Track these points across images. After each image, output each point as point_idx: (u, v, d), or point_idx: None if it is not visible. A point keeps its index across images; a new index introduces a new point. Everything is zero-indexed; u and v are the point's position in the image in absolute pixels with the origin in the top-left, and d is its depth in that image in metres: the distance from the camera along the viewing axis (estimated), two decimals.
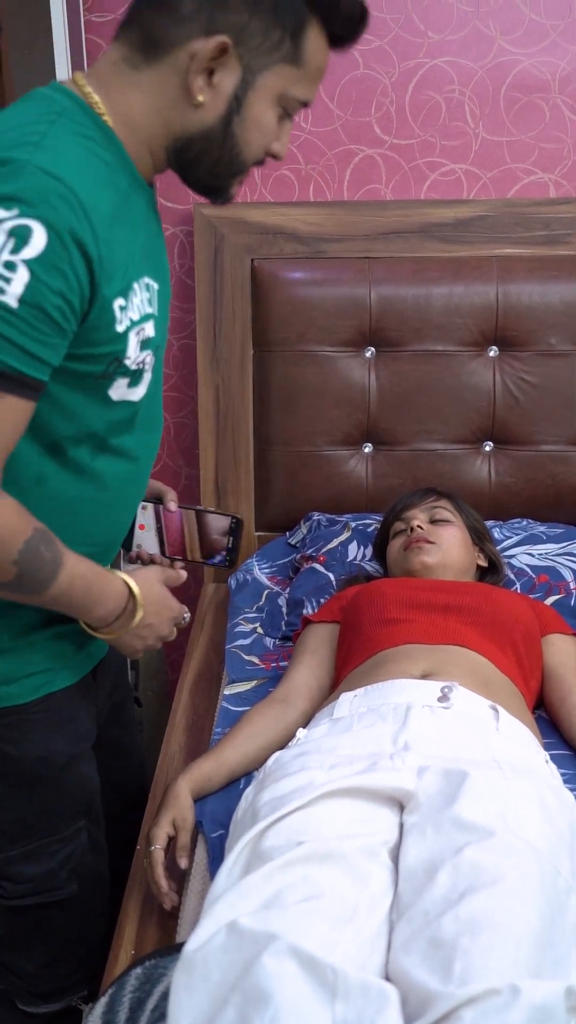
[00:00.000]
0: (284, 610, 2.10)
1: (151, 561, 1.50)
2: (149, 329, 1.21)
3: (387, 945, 1.10)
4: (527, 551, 2.14)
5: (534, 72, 2.22)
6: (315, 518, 2.28)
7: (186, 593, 1.44)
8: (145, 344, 1.21)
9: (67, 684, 1.38)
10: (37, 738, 1.37)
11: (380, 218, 2.24)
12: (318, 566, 2.11)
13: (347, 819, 1.21)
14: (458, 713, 1.42)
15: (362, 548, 2.16)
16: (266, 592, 2.18)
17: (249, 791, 1.38)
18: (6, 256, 1.01)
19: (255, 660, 1.96)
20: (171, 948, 1.18)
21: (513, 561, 2.10)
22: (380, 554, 2.03)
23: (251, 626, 2.07)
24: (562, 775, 1.45)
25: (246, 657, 1.96)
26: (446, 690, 1.46)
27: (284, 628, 2.05)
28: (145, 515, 1.51)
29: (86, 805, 1.48)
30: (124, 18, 1.18)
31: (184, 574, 1.43)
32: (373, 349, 2.27)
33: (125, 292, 1.15)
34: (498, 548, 2.08)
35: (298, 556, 2.23)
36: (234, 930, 1.02)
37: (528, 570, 2.08)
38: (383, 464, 2.31)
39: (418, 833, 1.20)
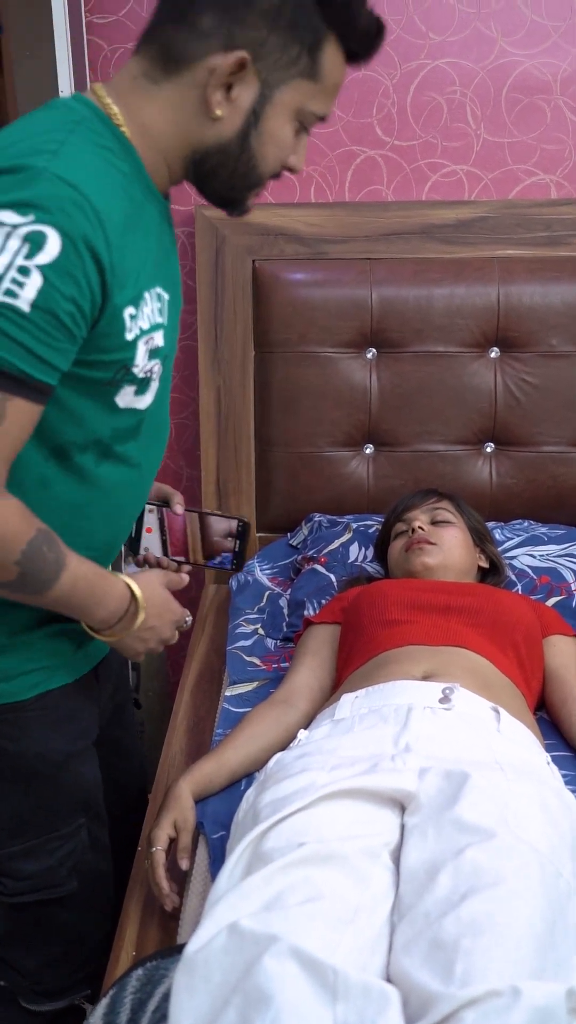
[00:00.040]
0: (285, 611, 2.10)
1: (158, 564, 1.50)
2: (158, 339, 1.22)
3: (388, 946, 1.10)
4: (528, 552, 2.14)
5: (535, 73, 2.23)
6: (316, 519, 2.28)
7: (187, 594, 1.44)
8: (154, 353, 1.22)
9: (65, 682, 1.39)
10: (35, 735, 1.38)
11: (381, 219, 2.24)
12: (319, 567, 2.11)
13: (348, 820, 1.21)
14: (459, 714, 1.42)
15: (363, 549, 2.16)
16: (267, 593, 2.18)
17: (250, 792, 1.38)
18: (20, 261, 1.02)
19: (256, 661, 1.96)
20: (172, 949, 1.18)
21: (514, 562, 2.10)
22: (381, 555, 2.03)
23: (252, 627, 2.07)
24: (563, 776, 1.45)
25: (247, 658, 1.96)
26: (447, 691, 1.46)
27: (285, 629, 2.05)
28: (151, 518, 1.51)
29: (85, 803, 1.49)
30: (144, 33, 1.19)
31: (186, 578, 1.43)
32: (374, 350, 2.27)
33: (136, 301, 1.16)
34: (499, 549, 2.08)
35: (299, 557, 2.23)
36: (235, 931, 1.02)
37: (529, 571, 2.08)
38: (384, 465, 2.31)
39: (419, 834, 1.20)
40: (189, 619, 1.42)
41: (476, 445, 2.31)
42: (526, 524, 2.26)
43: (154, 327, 1.21)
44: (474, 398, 2.26)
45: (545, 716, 1.74)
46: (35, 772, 1.40)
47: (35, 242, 1.03)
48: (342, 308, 2.23)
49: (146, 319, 1.19)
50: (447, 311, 2.23)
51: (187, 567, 1.53)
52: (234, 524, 1.54)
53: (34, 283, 1.03)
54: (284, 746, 1.54)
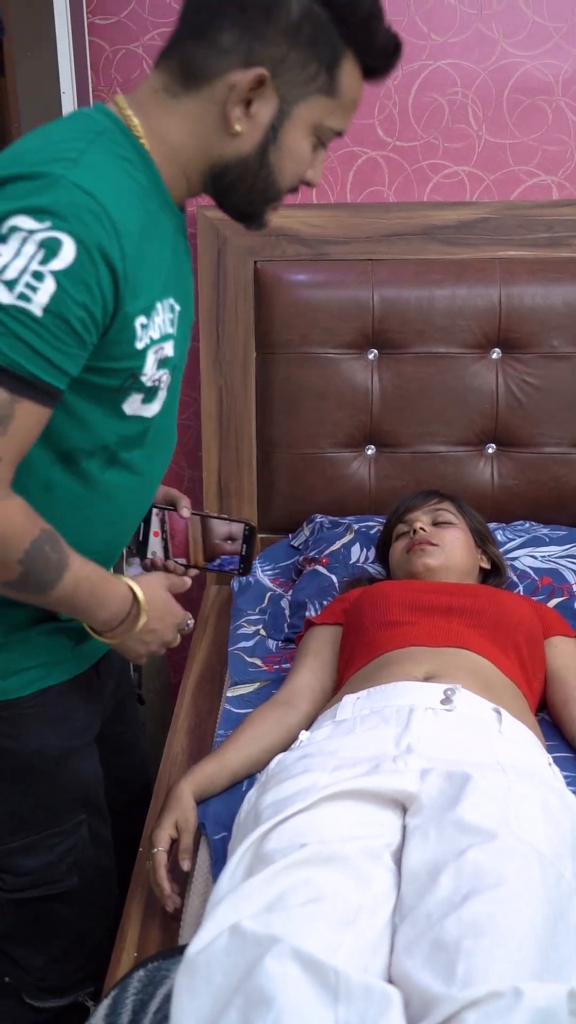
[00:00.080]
0: (287, 612, 2.10)
1: (164, 568, 1.51)
2: (168, 349, 1.23)
3: (390, 947, 1.10)
4: (530, 553, 2.14)
5: (537, 74, 2.23)
6: (318, 520, 2.28)
7: (189, 595, 1.44)
8: (162, 363, 1.23)
9: (63, 679, 1.40)
10: (33, 732, 1.38)
11: (383, 220, 2.24)
12: (321, 568, 2.11)
13: (350, 821, 1.21)
14: (461, 715, 1.42)
15: (365, 550, 2.16)
16: (269, 594, 2.18)
17: (252, 793, 1.38)
18: (35, 266, 1.03)
19: (258, 662, 1.95)
20: (174, 950, 1.18)
21: (516, 563, 2.10)
22: (383, 556, 2.03)
23: (254, 628, 2.07)
24: (565, 778, 1.45)
25: (249, 659, 1.96)
26: (449, 692, 1.45)
27: (287, 630, 2.05)
28: (157, 521, 1.52)
29: (85, 799, 1.49)
30: (164, 48, 1.21)
31: (189, 581, 1.44)
32: (376, 351, 2.27)
33: (148, 311, 1.17)
34: (501, 550, 2.08)
35: (301, 558, 2.23)
36: (237, 932, 1.02)
37: (531, 572, 2.08)
38: (386, 466, 2.31)
39: (421, 835, 1.20)
40: (191, 622, 1.43)
41: (478, 446, 2.31)
42: (527, 525, 2.26)
43: (164, 337, 1.22)
44: (475, 399, 2.26)
45: (547, 717, 1.74)
46: (34, 768, 1.41)
47: (50, 248, 1.04)
48: (344, 309, 2.23)
49: (157, 329, 1.20)
50: (449, 312, 2.23)
51: (194, 571, 1.54)
52: (235, 527, 1.54)
53: (47, 288, 1.04)
54: (285, 747, 1.54)
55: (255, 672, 1.92)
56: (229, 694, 1.86)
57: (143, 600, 1.30)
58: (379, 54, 1.20)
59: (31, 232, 1.04)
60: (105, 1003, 1.13)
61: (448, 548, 1.87)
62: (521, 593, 2.01)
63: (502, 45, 2.21)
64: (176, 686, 2.23)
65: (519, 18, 2.19)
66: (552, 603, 1.98)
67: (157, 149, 1.19)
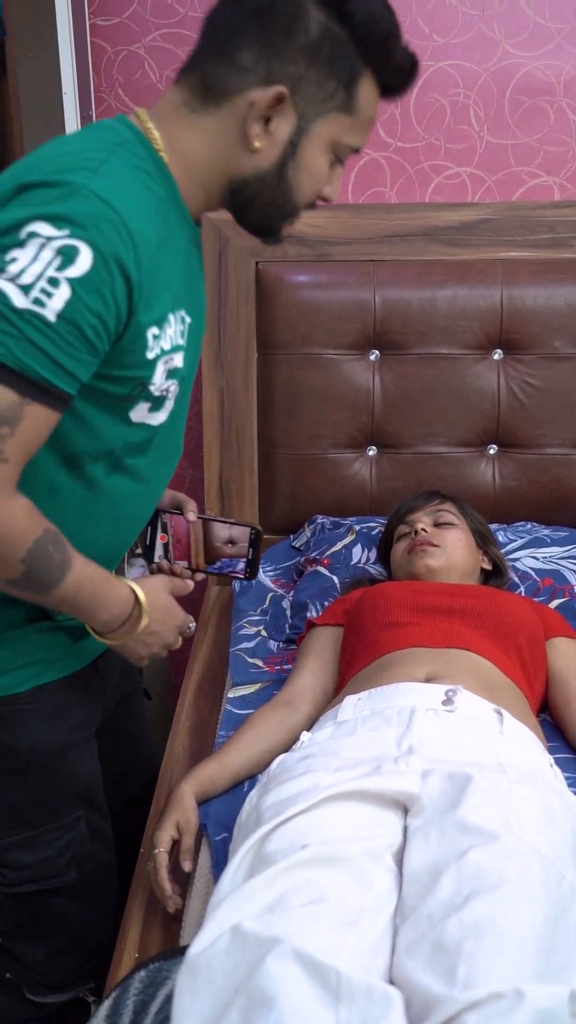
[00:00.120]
0: (288, 613, 2.10)
1: (171, 572, 1.52)
2: (177, 360, 1.24)
3: (391, 949, 1.10)
4: (531, 554, 2.14)
5: (539, 75, 2.23)
6: (319, 521, 2.28)
7: (190, 597, 1.45)
8: (171, 373, 1.24)
9: (60, 676, 1.41)
10: (30, 728, 1.40)
11: (385, 221, 2.24)
12: (322, 569, 2.11)
13: (351, 822, 1.21)
14: (462, 717, 1.42)
15: (366, 551, 2.16)
16: (270, 595, 2.18)
17: (253, 794, 1.38)
18: (51, 272, 1.05)
19: (259, 663, 1.96)
20: (175, 951, 1.18)
21: (517, 564, 2.10)
22: (384, 557, 2.03)
23: (255, 629, 2.07)
24: (566, 779, 1.45)
25: (250, 660, 1.96)
26: (450, 693, 1.45)
27: (288, 631, 2.05)
28: (163, 525, 1.53)
29: (83, 795, 1.50)
30: (185, 64, 1.23)
31: (191, 584, 1.45)
32: (377, 352, 2.27)
33: (160, 322, 1.19)
34: (502, 551, 2.08)
35: (302, 559, 2.23)
36: (238, 933, 1.02)
37: (532, 573, 2.08)
38: (387, 467, 2.31)
39: (422, 836, 1.19)
40: (192, 625, 1.43)
41: (479, 447, 2.31)
42: (529, 526, 2.26)
43: (175, 348, 1.23)
44: (477, 400, 2.26)
45: (548, 718, 1.74)
46: (31, 764, 1.42)
47: (67, 256, 1.05)
48: (345, 310, 2.23)
49: (168, 340, 1.21)
50: (450, 313, 2.23)
51: (200, 576, 1.55)
52: (236, 530, 1.55)
53: (62, 295, 1.05)
54: (287, 748, 1.54)
55: (256, 673, 1.92)
56: (230, 695, 1.86)
57: (145, 602, 1.30)
58: (396, 73, 1.22)
59: (49, 239, 1.05)
60: (106, 1004, 1.13)
61: (449, 549, 1.87)
62: (522, 594, 2.01)
63: (504, 46, 2.21)
64: (177, 687, 2.23)
65: (521, 19, 2.19)
66: (553, 604, 1.98)
67: (176, 162, 1.21)
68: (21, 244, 1.05)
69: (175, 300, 1.22)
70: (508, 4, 2.18)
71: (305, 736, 1.50)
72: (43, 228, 1.05)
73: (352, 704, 1.51)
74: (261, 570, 2.25)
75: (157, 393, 1.24)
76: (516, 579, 2.05)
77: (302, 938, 1.00)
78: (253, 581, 2.21)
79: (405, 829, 1.24)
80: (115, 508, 1.32)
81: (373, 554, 2.14)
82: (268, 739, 1.59)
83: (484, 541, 1.98)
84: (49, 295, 1.05)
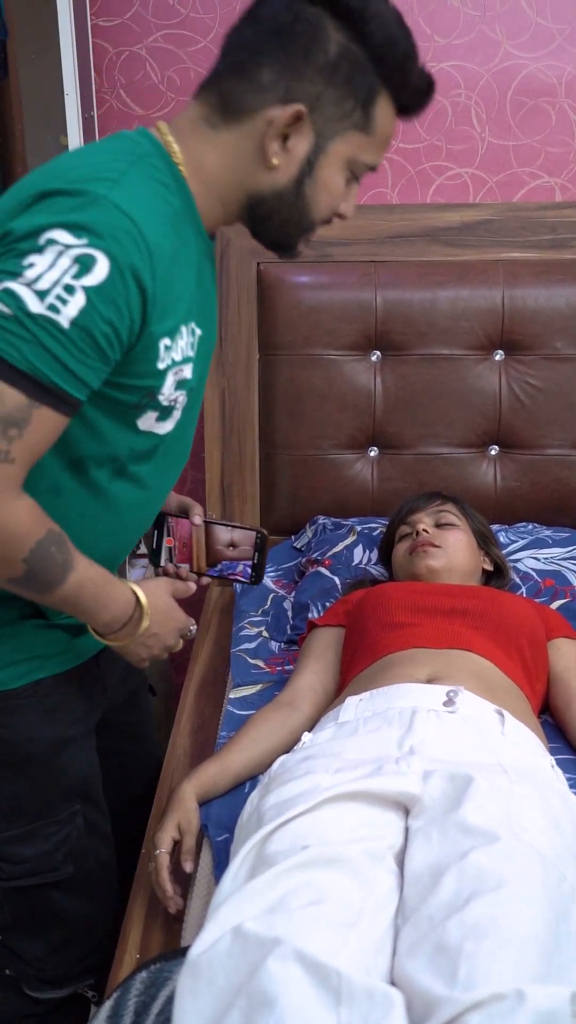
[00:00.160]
0: (289, 614, 2.10)
1: (176, 575, 1.52)
2: (187, 371, 1.26)
3: (392, 950, 1.10)
4: (533, 555, 2.14)
5: (540, 76, 2.23)
6: (320, 522, 2.28)
7: (191, 597, 1.45)
8: (180, 384, 1.26)
9: (57, 672, 1.42)
10: (26, 722, 1.41)
11: (386, 222, 2.24)
12: (323, 570, 2.11)
13: (352, 823, 1.21)
14: (464, 717, 1.42)
15: (367, 552, 2.16)
16: (271, 596, 2.18)
17: (254, 795, 1.38)
18: (68, 280, 1.06)
19: (260, 664, 1.95)
20: (176, 952, 1.18)
21: (519, 565, 2.10)
22: (385, 558, 2.03)
23: (256, 630, 2.07)
24: (568, 780, 1.45)
25: (251, 661, 1.96)
26: (452, 694, 1.45)
27: (289, 632, 2.05)
28: (168, 529, 1.54)
29: (80, 789, 1.51)
30: (204, 81, 1.24)
31: (193, 586, 1.46)
32: (379, 353, 2.27)
33: (172, 333, 1.20)
34: (504, 552, 2.08)
35: (303, 560, 2.23)
36: (239, 934, 1.02)
37: (534, 574, 2.08)
38: (388, 468, 2.31)
39: (423, 837, 1.19)
40: (193, 627, 1.44)
41: (480, 448, 2.31)
42: (530, 527, 2.26)
43: (185, 360, 1.25)
44: (478, 401, 2.26)
45: (549, 719, 1.74)
46: (28, 758, 1.43)
47: (84, 264, 1.07)
48: (346, 311, 2.23)
49: (179, 351, 1.23)
50: (451, 314, 2.23)
51: (206, 580, 1.56)
52: (239, 533, 1.56)
53: (77, 302, 1.07)
54: (288, 749, 1.54)
55: (258, 674, 1.92)
56: (232, 696, 1.86)
57: (146, 604, 1.31)
58: (413, 93, 1.24)
59: (68, 247, 1.06)
60: (107, 1005, 1.13)
61: (451, 550, 1.87)
62: (524, 595, 2.01)
63: (505, 47, 2.21)
64: (179, 687, 2.23)
65: (522, 20, 2.19)
66: (555, 605, 1.98)
67: (194, 176, 1.22)
68: (39, 250, 1.07)
69: (187, 312, 1.23)
70: (510, 5, 2.19)
71: (306, 737, 1.50)
72: (62, 236, 1.07)
73: (353, 705, 1.51)
74: None
75: (165, 403, 1.25)
76: (517, 580, 2.05)
77: (303, 939, 1.00)
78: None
79: (406, 830, 1.24)
80: (117, 513, 1.33)
81: (374, 555, 2.14)
82: (269, 740, 1.59)
83: (485, 542, 1.98)
84: (64, 302, 1.06)
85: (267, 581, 2.23)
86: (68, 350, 1.08)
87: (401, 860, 1.20)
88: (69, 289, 1.06)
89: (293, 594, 2.14)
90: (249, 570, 1.57)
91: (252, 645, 2.01)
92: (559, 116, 2.25)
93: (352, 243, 2.24)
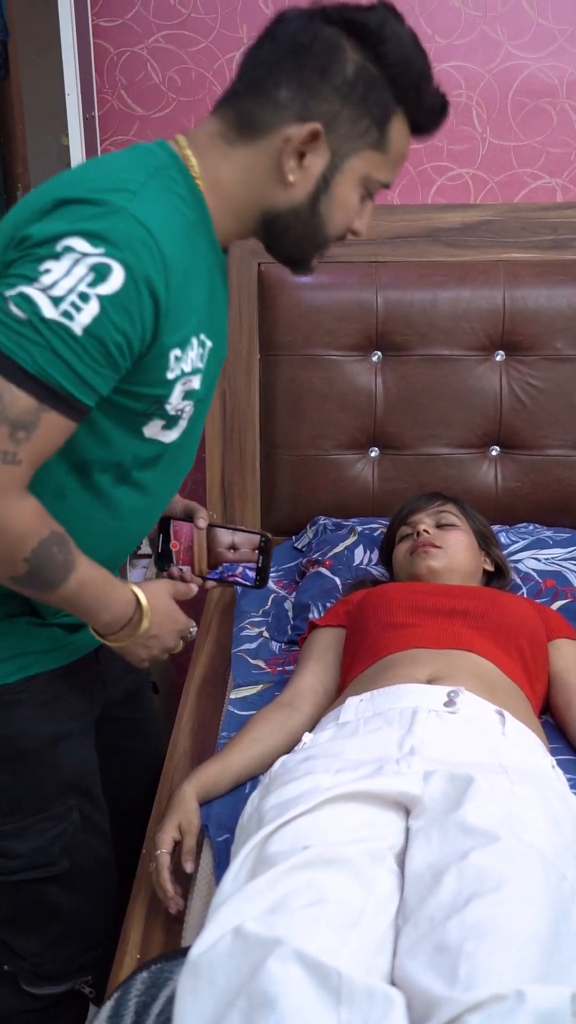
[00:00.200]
0: (290, 614, 2.10)
1: (181, 578, 1.53)
2: (195, 382, 1.27)
3: (393, 950, 1.10)
4: (533, 556, 2.14)
5: (541, 77, 2.23)
6: (321, 522, 2.28)
7: (192, 598, 1.46)
8: (188, 394, 1.27)
9: (52, 667, 1.43)
10: (22, 717, 1.42)
11: (387, 222, 2.24)
12: (324, 570, 2.11)
13: (353, 824, 1.21)
14: (464, 718, 1.42)
15: (368, 552, 2.16)
16: (272, 596, 2.18)
17: (255, 795, 1.38)
18: (83, 287, 1.08)
19: (261, 664, 1.95)
20: (176, 952, 1.18)
21: (519, 566, 2.10)
22: (386, 558, 2.03)
23: (257, 630, 2.07)
24: (568, 780, 1.45)
25: (252, 661, 1.96)
26: (452, 695, 1.45)
27: (290, 632, 2.05)
28: (173, 533, 1.55)
29: (76, 784, 1.51)
30: (222, 97, 1.26)
31: (195, 588, 1.46)
32: (380, 353, 2.27)
33: (183, 344, 1.22)
34: (504, 553, 2.08)
35: (304, 560, 2.23)
36: (239, 935, 1.02)
37: (534, 575, 2.08)
38: (389, 468, 2.31)
39: (424, 838, 1.19)
40: (194, 629, 1.45)
41: (481, 448, 2.31)
42: (531, 527, 2.26)
43: (194, 371, 1.26)
44: (479, 401, 2.26)
45: (550, 719, 1.73)
46: (23, 753, 1.44)
47: (100, 273, 1.08)
48: (347, 311, 2.23)
49: (189, 362, 1.24)
50: (452, 314, 2.23)
51: (211, 583, 1.57)
52: (240, 536, 1.56)
53: (91, 310, 1.08)
54: (288, 749, 1.54)
55: (258, 674, 1.92)
56: (232, 696, 1.86)
57: (146, 606, 1.32)
58: (428, 112, 1.26)
59: (84, 255, 1.08)
60: (108, 1005, 1.13)
61: (451, 550, 1.87)
62: (524, 595, 2.01)
63: (507, 47, 2.21)
64: (179, 687, 2.23)
65: (524, 20, 2.19)
66: (555, 605, 1.98)
67: (210, 190, 1.24)
68: (56, 257, 1.08)
69: (199, 324, 1.25)
70: (511, 5, 2.19)
71: (307, 737, 1.50)
72: (79, 244, 1.08)
73: (354, 705, 1.51)
74: None
75: (172, 412, 1.27)
76: (518, 580, 2.05)
77: (303, 939, 1.00)
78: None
79: (407, 830, 1.24)
80: (119, 518, 1.34)
81: (375, 555, 2.14)
82: (270, 740, 1.59)
83: (486, 542, 1.98)
84: (78, 309, 1.08)
85: (268, 582, 2.23)
86: (79, 356, 1.09)
87: (402, 860, 1.20)
88: (84, 297, 1.08)
89: (294, 594, 2.14)
90: (250, 572, 1.58)
91: (253, 645, 2.01)
92: (560, 117, 2.25)
93: (353, 243, 2.21)
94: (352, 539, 2.19)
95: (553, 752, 1.55)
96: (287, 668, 1.93)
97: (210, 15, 2.23)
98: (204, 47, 2.25)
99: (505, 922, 1.03)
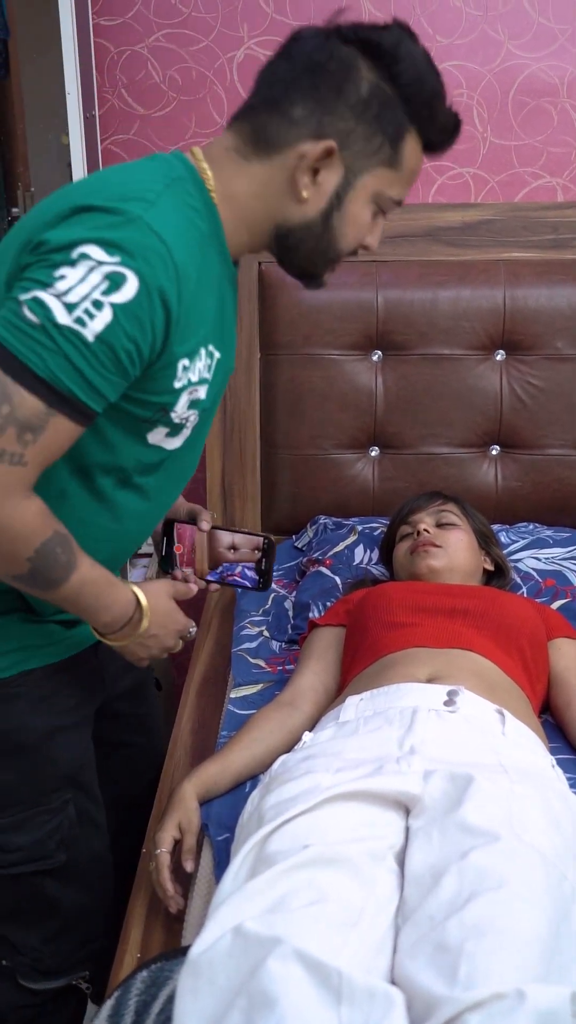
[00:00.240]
0: (290, 613, 2.10)
1: (184, 580, 1.54)
2: (201, 392, 1.28)
3: (393, 949, 1.10)
4: (533, 555, 2.14)
5: (542, 76, 2.23)
6: (321, 521, 2.28)
7: (193, 598, 1.47)
8: (193, 404, 1.28)
9: (49, 662, 1.43)
10: (18, 711, 1.42)
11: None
12: (324, 569, 2.11)
13: (353, 823, 1.21)
14: (464, 717, 1.42)
15: (368, 552, 2.16)
16: (272, 595, 2.18)
17: (255, 795, 1.38)
18: (97, 295, 1.09)
19: (261, 663, 1.96)
20: (177, 951, 1.18)
21: (520, 565, 2.10)
22: (386, 558, 2.03)
23: (257, 629, 2.07)
24: (568, 779, 1.45)
25: (252, 660, 1.96)
26: (452, 694, 1.45)
27: (290, 631, 2.05)
28: (176, 535, 1.55)
29: (72, 778, 1.52)
30: (237, 112, 1.27)
31: (194, 588, 1.47)
32: (380, 352, 2.27)
33: (192, 354, 1.23)
34: (504, 552, 2.08)
35: (304, 559, 2.23)
36: (239, 934, 1.02)
37: (535, 574, 2.08)
38: (389, 468, 2.31)
39: (424, 837, 1.20)
40: (193, 629, 1.46)
41: (481, 448, 2.31)
42: (531, 527, 2.26)
43: (201, 381, 1.27)
44: (479, 401, 2.26)
45: (550, 719, 1.74)
46: (19, 747, 1.44)
47: (114, 282, 1.09)
48: (347, 311, 2.23)
49: (196, 373, 1.25)
50: (453, 314, 2.23)
51: (214, 585, 1.58)
52: (240, 537, 1.57)
53: (103, 318, 1.09)
54: (289, 748, 1.54)
55: (258, 673, 1.92)
56: (232, 695, 1.86)
57: (146, 606, 1.33)
58: (440, 130, 1.28)
59: (100, 263, 1.09)
60: (108, 1004, 1.13)
61: (452, 550, 1.87)
62: (524, 595, 2.01)
63: (507, 47, 2.21)
64: (179, 687, 2.23)
65: (524, 20, 2.19)
66: (555, 605, 1.98)
67: (224, 203, 1.25)
68: (72, 263, 1.09)
69: (208, 335, 1.26)
70: (512, 5, 2.19)
71: (307, 736, 1.50)
72: (95, 251, 1.09)
73: (354, 704, 1.51)
74: None
75: (177, 420, 1.28)
76: (518, 580, 2.05)
77: (303, 938, 1.00)
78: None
79: (407, 830, 1.24)
80: (119, 521, 1.35)
81: (375, 554, 2.14)
82: (270, 739, 1.59)
83: (486, 542, 1.98)
84: (91, 316, 1.08)
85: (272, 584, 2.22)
86: (90, 363, 1.10)
87: (402, 860, 1.20)
88: (97, 304, 1.08)
89: (294, 594, 2.14)
90: (249, 572, 1.58)
91: (253, 644, 2.01)
92: (561, 116, 2.25)
93: None
94: (352, 538, 2.19)
95: (553, 751, 1.55)
96: (287, 667, 1.93)
97: (211, 14, 2.23)
98: (205, 46, 2.25)
99: (505, 922, 1.03)
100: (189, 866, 1.44)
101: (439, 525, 1.92)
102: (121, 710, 1.65)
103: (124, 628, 1.33)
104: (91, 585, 1.26)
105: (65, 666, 1.46)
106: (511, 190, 2.31)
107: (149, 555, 2.45)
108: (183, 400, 1.25)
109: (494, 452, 2.31)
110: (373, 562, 2.14)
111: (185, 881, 1.45)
